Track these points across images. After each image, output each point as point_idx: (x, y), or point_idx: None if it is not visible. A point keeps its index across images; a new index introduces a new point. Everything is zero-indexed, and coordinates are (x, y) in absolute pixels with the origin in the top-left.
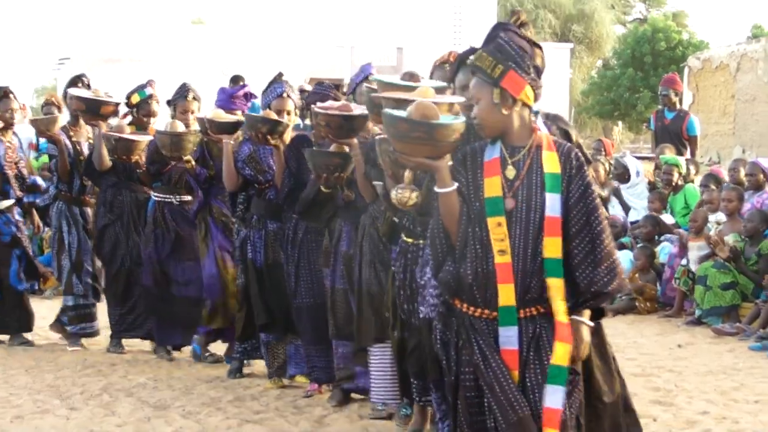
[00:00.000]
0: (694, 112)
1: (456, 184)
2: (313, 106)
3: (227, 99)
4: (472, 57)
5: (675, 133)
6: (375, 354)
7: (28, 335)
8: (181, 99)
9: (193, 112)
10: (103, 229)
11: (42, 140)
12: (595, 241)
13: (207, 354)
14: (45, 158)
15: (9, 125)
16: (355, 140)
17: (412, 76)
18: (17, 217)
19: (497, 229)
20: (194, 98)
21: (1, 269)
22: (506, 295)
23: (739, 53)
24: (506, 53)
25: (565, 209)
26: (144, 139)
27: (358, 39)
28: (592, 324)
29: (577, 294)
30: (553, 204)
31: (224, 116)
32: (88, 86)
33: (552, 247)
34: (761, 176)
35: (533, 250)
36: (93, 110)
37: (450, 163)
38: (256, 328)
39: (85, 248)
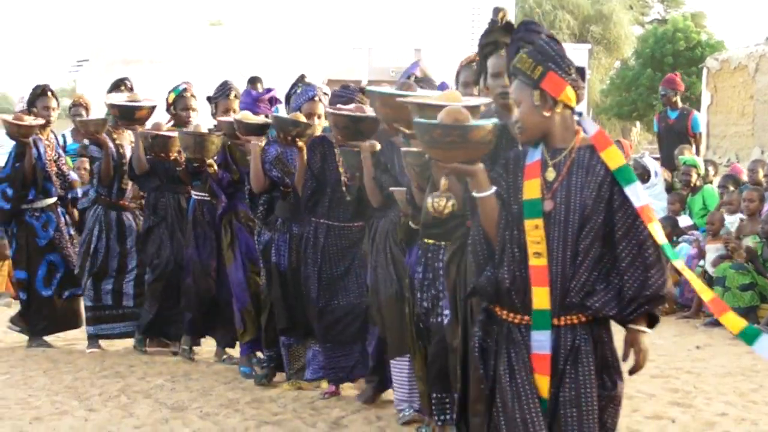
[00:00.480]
0: (712, 113)
1: (494, 188)
2: (325, 107)
3: (252, 102)
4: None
5: (681, 132)
6: (395, 363)
7: (49, 338)
8: (223, 97)
9: (235, 111)
10: (147, 232)
11: (69, 141)
12: (643, 244)
13: (225, 357)
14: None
15: (48, 123)
16: (365, 143)
17: (410, 86)
18: (61, 217)
19: (534, 232)
20: (236, 96)
21: (30, 272)
22: (540, 298)
23: (758, 54)
24: (546, 54)
25: (610, 213)
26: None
27: (376, 40)
28: (649, 331)
29: (629, 300)
30: (636, 194)
31: (252, 118)
32: (131, 89)
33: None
34: None
35: (573, 253)
36: (127, 116)
37: (482, 167)
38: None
39: (112, 255)
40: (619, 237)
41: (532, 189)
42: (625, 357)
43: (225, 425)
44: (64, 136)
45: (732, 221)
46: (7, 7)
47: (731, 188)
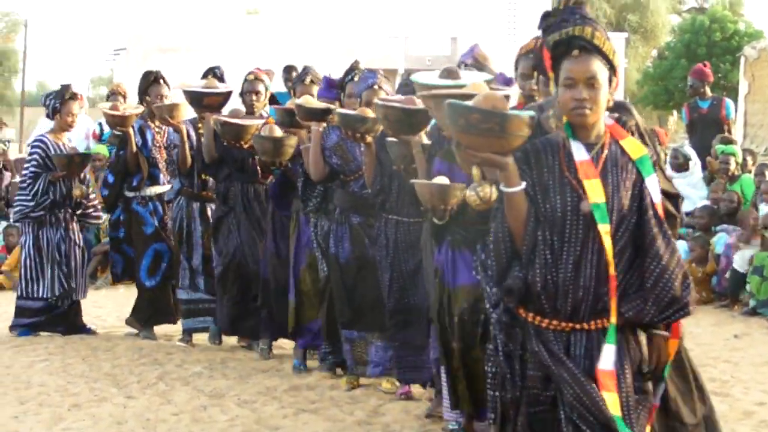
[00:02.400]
0: (750, 101)
1: (524, 184)
2: (375, 98)
3: (327, 87)
4: (589, 36)
5: (714, 120)
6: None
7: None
8: (299, 83)
9: (313, 96)
10: (217, 221)
11: (106, 130)
12: (675, 248)
13: (263, 347)
14: (99, 148)
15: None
16: (416, 137)
17: (450, 73)
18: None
19: (606, 238)
20: (312, 81)
21: (135, 261)
22: (613, 310)
23: None
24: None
25: (641, 212)
26: (253, 124)
27: (412, 29)
28: (668, 334)
29: (664, 307)
30: (654, 186)
31: (314, 102)
32: (221, 78)
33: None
34: None
35: (607, 255)
36: (196, 102)
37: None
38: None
39: (196, 248)
40: (652, 238)
41: (596, 191)
42: (651, 361)
43: (262, 413)
44: (100, 124)
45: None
46: None
47: None
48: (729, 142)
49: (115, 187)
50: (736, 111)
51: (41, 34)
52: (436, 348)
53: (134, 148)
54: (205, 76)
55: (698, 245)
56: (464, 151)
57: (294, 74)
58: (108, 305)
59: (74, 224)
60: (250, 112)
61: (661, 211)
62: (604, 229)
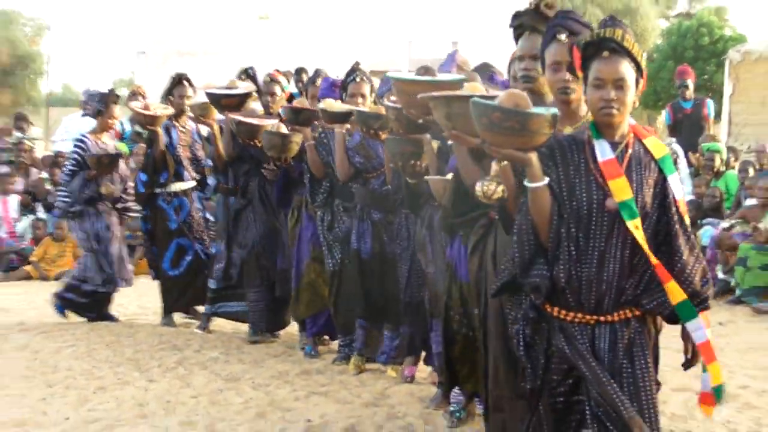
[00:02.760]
0: (734, 102)
1: (547, 179)
2: (385, 99)
3: (329, 88)
4: (620, 38)
5: (697, 119)
6: None
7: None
8: (310, 85)
9: (364, 96)
10: (236, 214)
11: (127, 129)
12: (694, 243)
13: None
14: (120, 146)
15: (182, 111)
16: (427, 136)
17: (427, 70)
18: (195, 203)
19: (638, 232)
20: (362, 80)
21: (158, 253)
22: (674, 291)
23: None
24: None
25: (663, 209)
26: (265, 123)
27: (416, 33)
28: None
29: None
30: (676, 185)
31: (336, 106)
32: (254, 78)
33: (688, 225)
34: None
35: (631, 251)
36: (215, 103)
37: (536, 156)
38: (352, 318)
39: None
40: (674, 234)
41: (623, 189)
42: (686, 352)
43: (276, 395)
44: (122, 123)
45: (750, 204)
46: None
47: (751, 173)
48: (714, 140)
49: (148, 184)
50: (721, 111)
51: (66, 38)
52: (439, 342)
53: (162, 147)
54: (239, 77)
55: None
56: (488, 147)
57: (305, 76)
58: (130, 294)
59: (113, 217)
60: (267, 111)
61: (683, 209)
62: (634, 223)
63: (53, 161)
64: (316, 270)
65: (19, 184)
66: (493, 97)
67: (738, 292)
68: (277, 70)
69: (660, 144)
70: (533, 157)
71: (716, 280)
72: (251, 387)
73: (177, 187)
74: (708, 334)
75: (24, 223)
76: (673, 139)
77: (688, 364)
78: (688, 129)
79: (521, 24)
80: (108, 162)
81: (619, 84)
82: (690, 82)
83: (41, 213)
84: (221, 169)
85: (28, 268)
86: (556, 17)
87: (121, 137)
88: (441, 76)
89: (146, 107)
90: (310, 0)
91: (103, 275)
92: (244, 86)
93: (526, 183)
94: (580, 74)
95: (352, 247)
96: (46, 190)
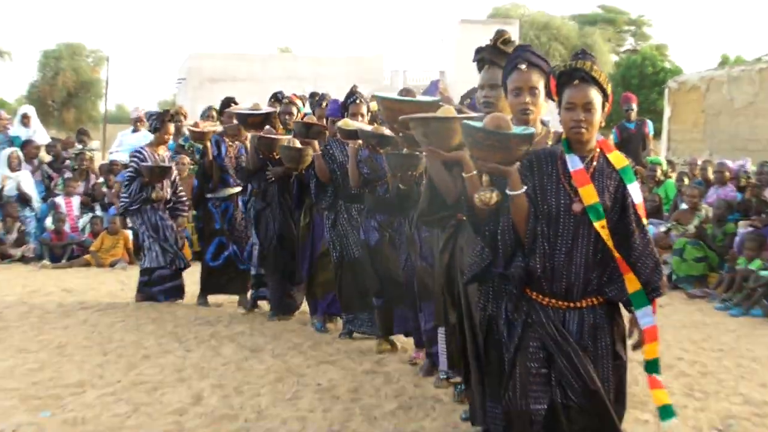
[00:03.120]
0: (672, 123)
1: (525, 187)
2: (369, 110)
3: (337, 108)
4: (589, 69)
5: (640, 138)
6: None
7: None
8: (317, 107)
9: (362, 115)
10: (257, 214)
11: (170, 142)
12: (649, 239)
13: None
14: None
15: (233, 134)
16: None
17: (408, 92)
18: (239, 206)
19: (603, 231)
20: (360, 101)
21: (203, 247)
22: (631, 282)
23: (708, 77)
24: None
25: (623, 211)
26: (282, 138)
27: (410, 64)
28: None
29: (642, 287)
30: (636, 191)
31: (351, 124)
32: (280, 101)
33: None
34: (726, 174)
35: (594, 248)
36: (242, 121)
37: (516, 168)
38: (356, 300)
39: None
40: (630, 232)
41: (590, 195)
42: (631, 334)
43: (291, 363)
44: None
45: (683, 208)
46: (125, 37)
47: (686, 182)
48: (656, 155)
49: (198, 189)
50: (661, 130)
51: (120, 67)
52: (426, 321)
53: (210, 157)
54: (270, 99)
55: None
56: (475, 161)
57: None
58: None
59: (165, 213)
60: (286, 129)
61: (641, 211)
62: (601, 224)
63: (108, 168)
64: (325, 261)
65: (80, 187)
66: (481, 119)
67: (674, 278)
68: (294, 94)
69: (621, 157)
70: (513, 169)
71: None
72: (271, 356)
73: (224, 192)
74: (654, 320)
75: (84, 220)
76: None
77: (636, 346)
78: (631, 145)
79: (482, 58)
80: (159, 172)
81: (588, 107)
82: (634, 106)
83: (98, 211)
84: (253, 178)
85: (87, 257)
86: (516, 50)
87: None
88: (420, 98)
89: (196, 125)
90: (323, 36)
91: (168, 256)
92: (266, 108)
93: (507, 191)
94: (555, 98)
95: (361, 238)
96: (103, 193)
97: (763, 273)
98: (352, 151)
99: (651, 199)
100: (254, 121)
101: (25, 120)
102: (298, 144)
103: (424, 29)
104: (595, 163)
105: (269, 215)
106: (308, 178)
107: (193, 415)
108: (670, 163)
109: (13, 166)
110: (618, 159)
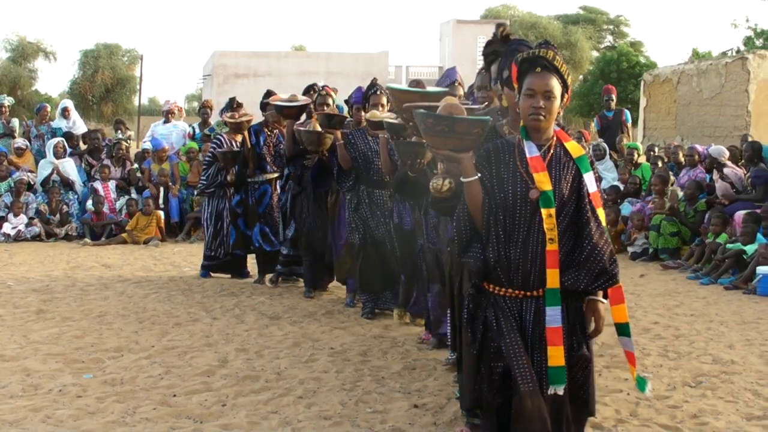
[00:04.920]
0: (647, 112)
1: (478, 174)
2: (390, 101)
3: (360, 96)
4: (551, 58)
5: (617, 125)
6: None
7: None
8: (372, 94)
9: (383, 105)
10: (293, 198)
11: (197, 131)
12: (603, 229)
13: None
14: (192, 144)
15: (274, 122)
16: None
17: (418, 83)
18: (277, 190)
19: (548, 220)
20: (381, 92)
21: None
22: (552, 278)
23: (680, 71)
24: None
25: (579, 200)
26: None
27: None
28: (605, 301)
29: (596, 276)
30: (591, 181)
31: (378, 115)
32: (317, 92)
33: (603, 217)
34: (696, 157)
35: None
36: (280, 112)
37: (472, 156)
38: (379, 280)
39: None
40: (585, 221)
41: (544, 182)
42: (588, 323)
43: (307, 329)
44: (193, 127)
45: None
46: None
47: (659, 165)
48: (633, 140)
49: (239, 175)
50: (638, 119)
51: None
52: (432, 300)
53: (249, 145)
54: (306, 91)
55: (612, 212)
56: (429, 148)
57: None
58: (199, 254)
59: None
60: None
61: (596, 201)
62: (548, 211)
63: (142, 156)
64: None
65: (116, 172)
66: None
67: (650, 250)
68: (327, 86)
69: (578, 146)
70: (465, 156)
71: (636, 242)
72: (289, 323)
73: (262, 177)
74: (557, 323)
75: (121, 202)
76: (601, 140)
77: (592, 334)
78: (611, 132)
79: (495, 51)
80: (231, 157)
81: (548, 95)
82: (613, 97)
83: (134, 194)
84: (286, 164)
85: (124, 235)
86: (512, 43)
87: (192, 137)
88: (428, 89)
89: (233, 116)
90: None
91: (216, 242)
92: (303, 99)
93: (461, 178)
94: (515, 85)
95: (395, 222)
96: (137, 177)
97: (730, 246)
98: (383, 141)
99: (632, 181)
100: (290, 112)
101: (65, 113)
102: (318, 128)
103: (424, 28)
104: (552, 152)
105: (304, 199)
106: (332, 163)
107: (219, 377)
108: (652, 146)
109: (58, 154)
110: (575, 148)
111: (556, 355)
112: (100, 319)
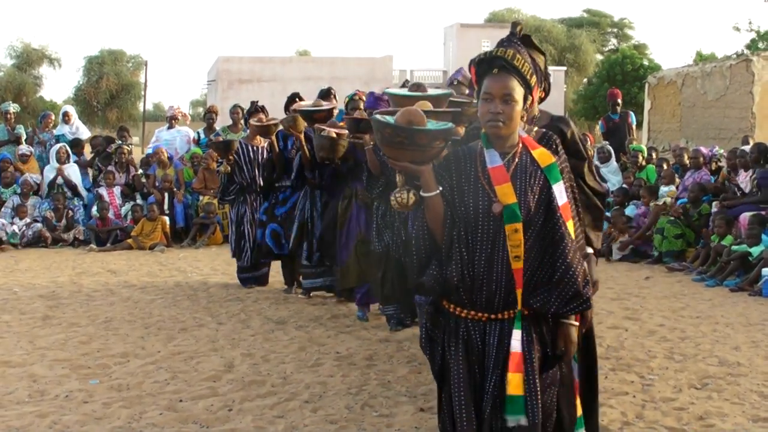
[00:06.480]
0: (652, 114)
1: (440, 188)
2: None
3: (375, 101)
4: (510, 57)
5: (622, 128)
6: None
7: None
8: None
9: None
10: (324, 205)
11: (203, 137)
12: (579, 247)
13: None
14: (196, 150)
15: (290, 127)
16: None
17: (419, 87)
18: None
19: (514, 236)
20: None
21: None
22: (519, 299)
23: (684, 73)
24: (534, 66)
25: (549, 215)
26: (343, 132)
27: (417, 64)
28: (577, 323)
29: (569, 300)
30: (560, 192)
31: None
32: (334, 96)
33: (572, 231)
34: (701, 159)
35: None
36: (307, 117)
37: (429, 168)
38: (399, 290)
39: (317, 226)
40: (559, 237)
41: (507, 194)
42: (557, 348)
43: (313, 334)
44: (198, 133)
45: (666, 191)
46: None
47: (665, 167)
48: (638, 143)
49: (267, 179)
50: (642, 121)
51: (157, 70)
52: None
53: (277, 149)
54: (325, 95)
55: (618, 214)
56: (387, 160)
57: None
58: (204, 259)
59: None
60: None
61: (566, 214)
62: (514, 226)
63: (146, 161)
64: (361, 250)
65: (121, 178)
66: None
67: (656, 254)
68: (359, 90)
69: (547, 154)
70: (426, 169)
71: (644, 242)
72: (295, 328)
73: (287, 181)
74: (518, 348)
75: (126, 208)
76: (606, 142)
77: (560, 358)
78: (617, 135)
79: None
80: (224, 147)
81: (507, 99)
82: (618, 100)
83: (139, 200)
84: (309, 169)
85: (129, 240)
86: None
87: (197, 143)
88: (429, 92)
89: (260, 120)
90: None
91: (240, 248)
92: (326, 103)
93: (421, 193)
94: (476, 88)
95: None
96: (142, 183)
97: (735, 248)
98: (365, 141)
99: (637, 183)
100: (319, 117)
101: (66, 118)
102: (333, 133)
103: (429, 32)
104: (516, 160)
105: (333, 205)
106: (346, 168)
107: (225, 381)
108: (652, 149)
109: (61, 159)
110: (543, 156)
111: (515, 383)
112: (106, 324)
